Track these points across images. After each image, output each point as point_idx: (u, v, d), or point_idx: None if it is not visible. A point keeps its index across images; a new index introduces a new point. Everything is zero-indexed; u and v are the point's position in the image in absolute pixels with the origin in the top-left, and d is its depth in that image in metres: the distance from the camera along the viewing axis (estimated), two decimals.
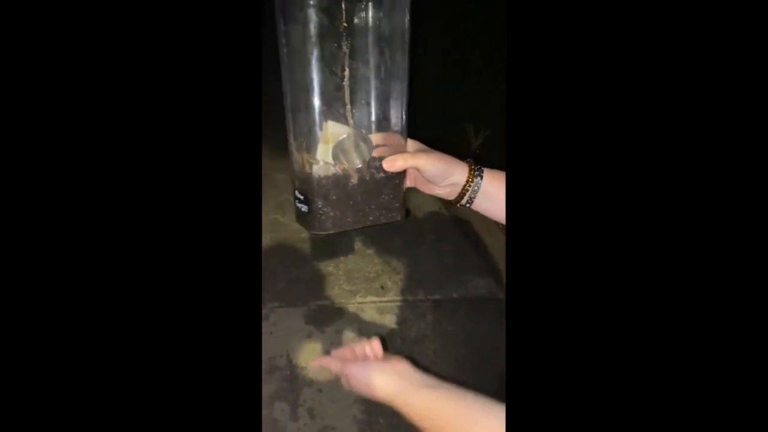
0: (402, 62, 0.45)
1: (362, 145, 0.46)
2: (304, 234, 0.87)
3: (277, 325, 0.73)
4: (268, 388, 0.65)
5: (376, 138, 0.46)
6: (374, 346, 0.53)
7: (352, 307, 0.76)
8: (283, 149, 0.60)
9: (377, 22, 0.43)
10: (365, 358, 0.53)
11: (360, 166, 0.45)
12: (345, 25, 0.42)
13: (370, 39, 0.44)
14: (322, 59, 0.42)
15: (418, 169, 0.49)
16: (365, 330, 0.73)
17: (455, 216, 0.93)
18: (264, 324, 0.72)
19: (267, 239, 0.84)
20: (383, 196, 0.49)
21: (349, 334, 0.73)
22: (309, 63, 0.42)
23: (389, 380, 0.49)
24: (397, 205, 0.49)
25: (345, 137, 0.45)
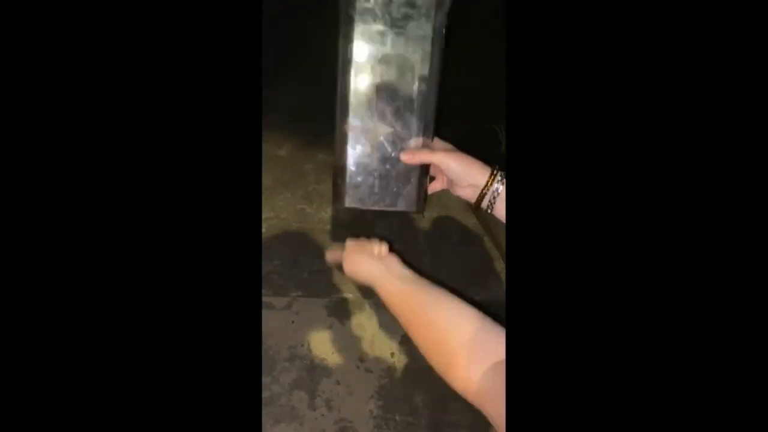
0: (427, 76, 0.52)
1: (397, 142, 0.54)
2: (330, 226, 0.87)
3: (300, 314, 0.73)
4: (287, 376, 0.66)
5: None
6: (383, 248, 0.59)
7: (373, 303, 0.77)
8: (312, 142, 0.65)
9: (404, 42, 0.51)
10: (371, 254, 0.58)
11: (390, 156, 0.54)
12: (393, 52, 0.51)
13: (396, 54, 0.52)
14: (355, 70, 0.52)
15: (438, 166, 0.54)
16: (386, 325, 0.74)
17: (482, 219, 0.93)
18: (286, 312, 0.73)
19: (293, 228, 0.85)
20: (400, 185, 0.56)
21: (370, 329, 0.74)
22: (346, 72, 0.52)
23: (375, 267, 0.55)
24: (413, 197, 0.56)
25: (384, 135, 0.54)
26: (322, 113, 0.59)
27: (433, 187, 0.61)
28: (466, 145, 0.61)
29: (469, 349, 0.41)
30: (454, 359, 0.42)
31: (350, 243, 0.60)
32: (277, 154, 0.96)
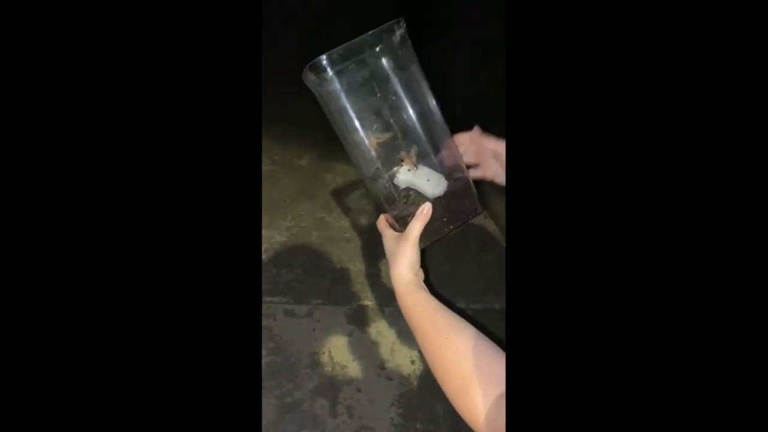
0: (427, 100, 0.55)
1: (437, 183, 0.57)
2: (349, 234, 0.88)
3: (321, 321, 0.75)
4: (310, 383, 0.67)
5: (461, 138, 0.60)
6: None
7: (393, 310, 0.78)
8: (332, 152, 0.67)
9: (402, 82, 0.54)
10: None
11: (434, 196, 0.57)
12: (379, 93, 0.54)
13: (401, 94, 0.55)
14: (365, 127, 0.53)
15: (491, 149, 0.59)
16: (405, 333, 0.74)
17: (500, 226, 0.93)
18: (308, 320, 0.75)
19: (313, 237, 0.86)
20: (458, 199, 0.59)
21: (390, 337, 0.75)
22: (356, 131, 0.53)
23: (408, 272, 0.54)
24: (472, 201, 0.60)
25: (428, 179, 0.56)
26: None
27: (475, 175, 0.62)
28: None
29: (484, 376, 0.41)
30: (469, 384, 0.42)
31: (391, 240, 0.57)
32: (297, 164, 0.98)
